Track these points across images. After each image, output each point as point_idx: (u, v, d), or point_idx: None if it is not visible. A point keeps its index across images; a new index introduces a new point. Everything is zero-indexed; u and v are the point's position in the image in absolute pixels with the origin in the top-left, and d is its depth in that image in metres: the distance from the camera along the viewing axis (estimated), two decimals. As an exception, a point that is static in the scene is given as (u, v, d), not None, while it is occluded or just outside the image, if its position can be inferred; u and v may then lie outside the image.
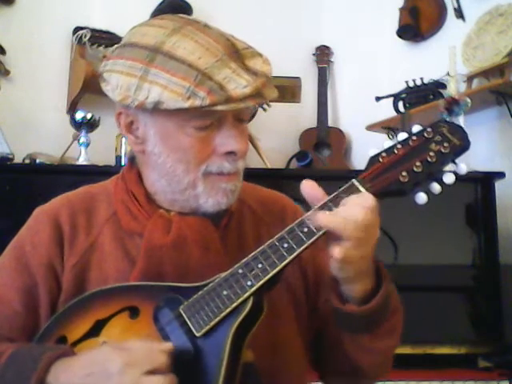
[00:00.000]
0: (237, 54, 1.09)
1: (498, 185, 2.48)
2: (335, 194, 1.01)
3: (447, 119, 2.00)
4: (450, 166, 1.00)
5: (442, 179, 1.00)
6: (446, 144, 0.99)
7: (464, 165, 1.00)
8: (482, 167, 2.48)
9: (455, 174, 1.00)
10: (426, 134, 1.00)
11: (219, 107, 1.05)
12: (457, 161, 1.00)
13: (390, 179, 1.00)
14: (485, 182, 2.46)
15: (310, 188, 1.02)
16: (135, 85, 1.07)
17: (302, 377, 1.23)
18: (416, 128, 1.02)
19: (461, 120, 2.50)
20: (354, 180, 1.02)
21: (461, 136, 1.00)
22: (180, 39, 1.08)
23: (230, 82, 1.05)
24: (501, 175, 2.48)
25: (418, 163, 0.99)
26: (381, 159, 1.01)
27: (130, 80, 1.08)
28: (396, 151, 1.00)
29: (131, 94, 1.08)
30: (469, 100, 2.50)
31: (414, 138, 1.00)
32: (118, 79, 1.10)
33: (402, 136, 1.01)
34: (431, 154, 0.99)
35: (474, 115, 2.66)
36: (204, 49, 1.07)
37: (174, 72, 1.05)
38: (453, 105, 2.45)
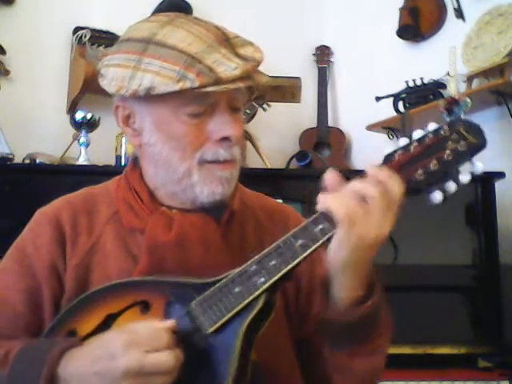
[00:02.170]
0: (227, 41, 1.11)
1: (498, 185, 2.48)
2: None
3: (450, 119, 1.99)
4: (465, 165, 0.99)
5: (458, 178, 0.99)
6: (462, 142, 0.98)
7: (480, 163, 0.99)
8: (482, 167, 2.48)
9: (471, 172, 0.99)
10: (442, 132, 0.99)
11: (209, 89, 1.06)
12: (472, 160, 0.99)
13: (405, 177, 0.99)
14: (485, 181, 2.46)
15: (331, 178, 1.00)
16: (129, 74, 1.10)
17: (300, 378, 1.23)
18: (432, 126, 1.00)
19: (461, 120, 2.50)
20: None
21: (477, 134, 0.99)
22: (172, 29, 1.11)
23: (219, 65, 1.07)
24: (501, 175, 2.48)
25: (434, 161, 0.98)
26: (396, 157, 1.00)
27: (125, 71, 1.11)
28: (412, 149, 0.99)
29: (125, 84, 1.10)
30: (469, 100, 2.50)
31: (431, 135, 0.99)
32: (114, 72, 1.13)
33: (418, 134, 1.00)
34: (447, 152, 0.98)
35: (474, 115, 2.66)
36: (194, 36, 1.10)
37: (165, 58, 1.08)
38: (453, 105, 2.45)
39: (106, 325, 1.08)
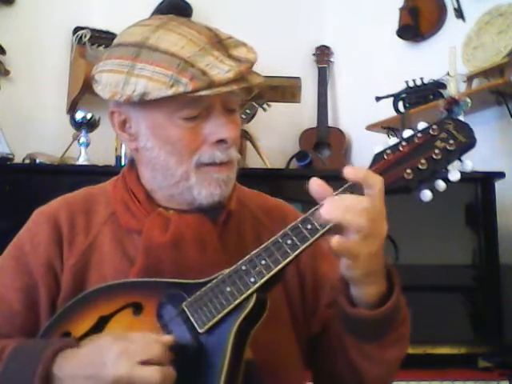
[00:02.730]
0: (220, 43, 1.11)
1: (498, 185, 2.48)
2: (339, 190, 1.00)
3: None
4: (455, 163, 0.99)
5: (447, 176, 0.99)
6: (451, 141, 0.98)
7: (469, 162, 0.99)
8: (482, 167, 2.48)
9: (460, 171, 0.99)
10: (431, 131, 0.99)
11: (202, 92, 1.06)
12: (462, 158, 1.00)
13: (394, 176, 0.99)
14: (485, 181, 2.46)
15: (317, 185, 1.00)
16: (123, 80, 1.10)
17: (300, 376, 1.23)
18: (421, 125, 1.01)
19: (460, 120, 2.50)
20: None
21: (467, 133, 0.99)
22: (164, 33, 1.11)
23: (212, 68, 1.07)
24: (501, 175, 2.48)
25: (422, 160, 0.98)
26: (385, 156, 1.00)
27: (118, 76, 1.10)
28: (401, 148, 0.99)
29: (119, 90, 1.10)
30: (469, 100, 2.50)
31: (420, 135, 0.99)
32: (108, 78, 1.13)
33: (408, 133, 1.01)
34: (436, 151, 0.98)
35: (474, 115, 2.66)
36: (187, 39, 1.10)
37: (157, 63, 1.08)
38: (453, 105, 2.44)
39: (98, 327, 1.09)
